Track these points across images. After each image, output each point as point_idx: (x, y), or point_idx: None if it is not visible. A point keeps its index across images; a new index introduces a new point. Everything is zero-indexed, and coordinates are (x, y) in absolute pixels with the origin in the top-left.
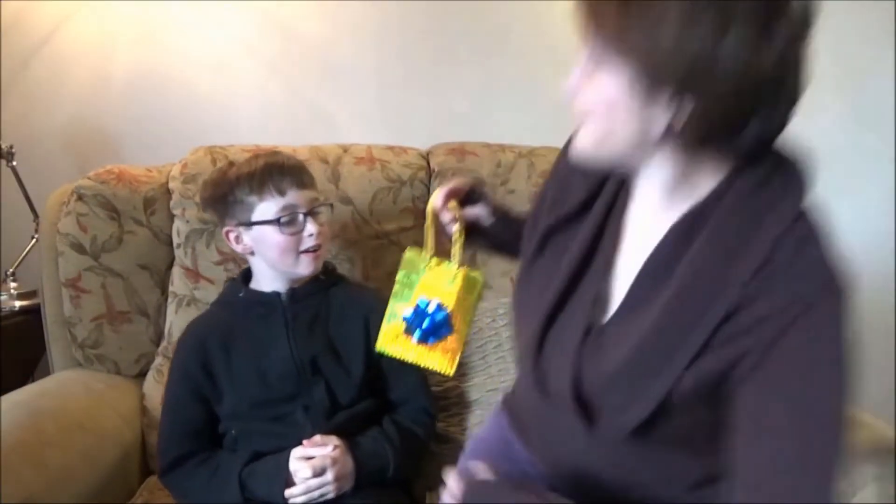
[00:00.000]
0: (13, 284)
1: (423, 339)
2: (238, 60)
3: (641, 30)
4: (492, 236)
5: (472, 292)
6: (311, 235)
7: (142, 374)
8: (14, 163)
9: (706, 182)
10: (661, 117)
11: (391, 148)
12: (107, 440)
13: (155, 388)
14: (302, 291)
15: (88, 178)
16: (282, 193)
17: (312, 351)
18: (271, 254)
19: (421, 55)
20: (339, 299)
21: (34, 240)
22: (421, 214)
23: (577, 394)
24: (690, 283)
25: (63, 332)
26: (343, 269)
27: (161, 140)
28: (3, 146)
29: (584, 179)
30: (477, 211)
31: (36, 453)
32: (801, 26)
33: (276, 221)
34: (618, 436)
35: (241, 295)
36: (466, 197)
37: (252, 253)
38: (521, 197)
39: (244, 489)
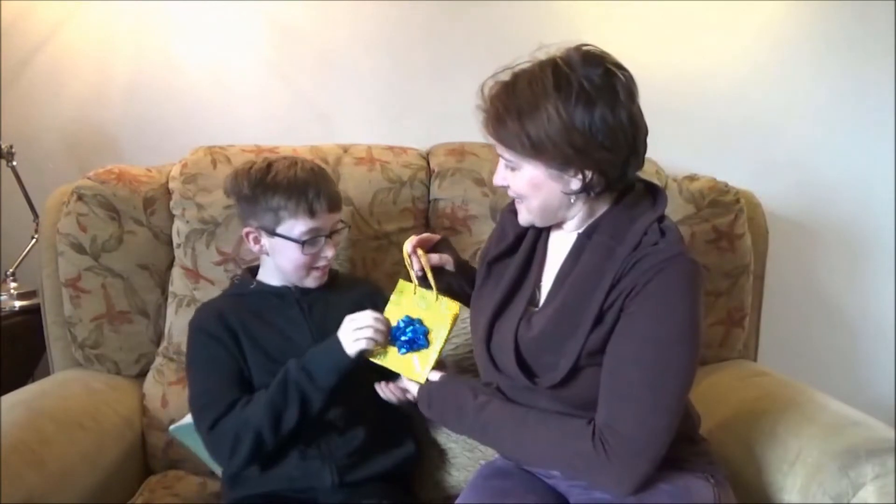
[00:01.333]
0: (13, 284)
1: (402, 348)
2: (238, 61)
3: (538, 138)
4: (452, 280)
5: (448, 317)
6: (325, 257)
7: (142, 374)
8: (14, 163)
9: (601, 209)
10: (574, 182)
11: (391, 148)
12: (107, 440)
13: (155, 388)
14: None
15: (88, 178)
16: (312, 215)
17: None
18: (285, 265)
19: (421, 55)
20: (343, 288)
21: (34, 240)
22: (420, 215)
23: (518, 360)
24: (586, 270)
25: (63, 332)
26: (343, 269)
27: (161, 140)
28: (3, 146)
29: (513, 227)
30: (443, 258)
31: (36, 453)
32: (632, 85)
33: (299, 242)
34: (556, 392)
35: (252, 287)
36: (435, 247)
37: (266, 254)
38: None
39: (310, 376)
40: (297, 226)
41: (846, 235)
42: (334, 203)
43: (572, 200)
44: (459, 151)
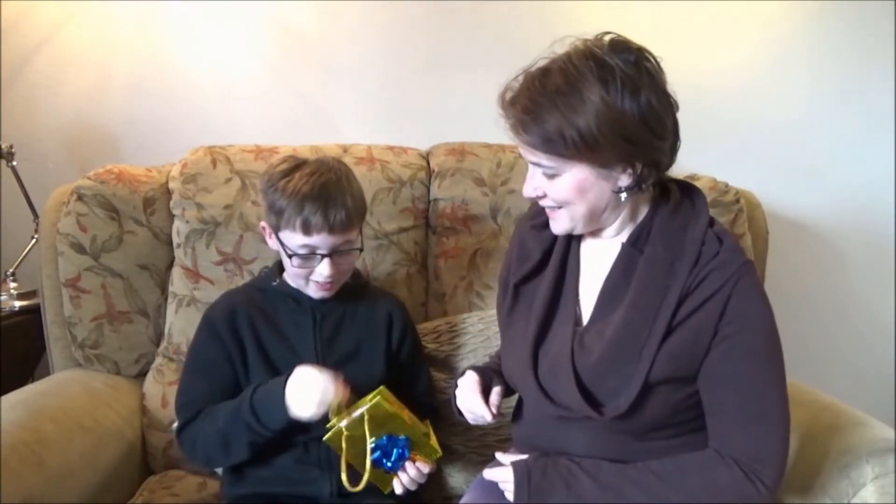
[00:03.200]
0: (13, 284)
1: (395, 467)
2: (238, 60)
3: (589, 133)
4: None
5: (387, 406)
6: (321, 274)
7: (142, 374)
8: (14, 163)
9: (641, 211)
10: (624, 178)
11: (391, 148)
12: (107, 440)
13: (155, 388)
14: None
15: (88, 178)
16: (307, 232)
17: (336, 356)
18: (287, 269)
19: (421, 55)
20: (364, 302)
21: (34, 240)
22: (420, 215)
23: (579, 386)
24: (645, 286)
25: (63, 332)
26: None
27: (161, 140)
28: (3, 146)
29: (538, 243)
30: (497, 396)
31: (36, 453)
32: (659, 65)
33: (287, 255)
34: (618, 421)
35: (274, 284)
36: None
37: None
38: (521, 197)
39: (257, 416)
40: (292, 237)
41: (846, 235)
42: (337, 225)
43: (623, 198)
44: (459, 151)
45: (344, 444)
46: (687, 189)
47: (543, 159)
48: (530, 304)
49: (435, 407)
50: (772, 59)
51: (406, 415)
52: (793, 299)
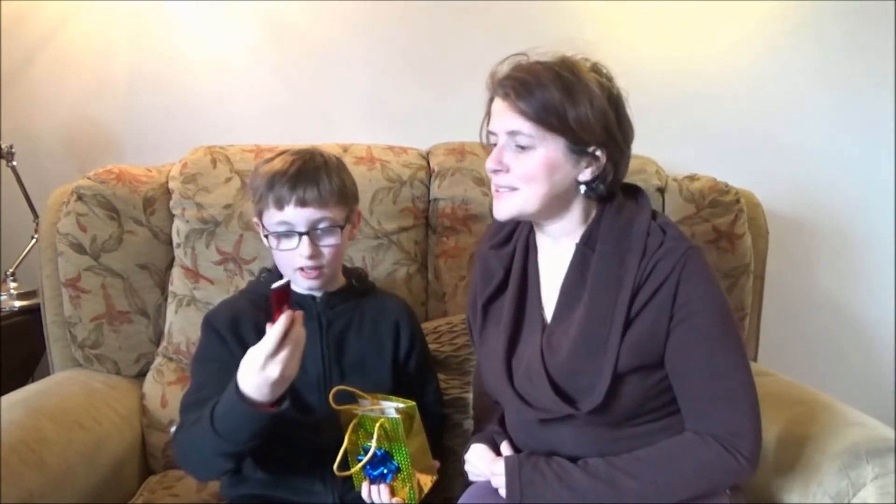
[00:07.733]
0: (13, 284)
1: (373, 479)
2: (238, 60)
3: (581, 110)
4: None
5: (401, 431)
6: (303, 257)
7: (142, 374)
8: (14, 163)
9: (591, 214)
10: (585, 170)
11: (391, 148)
12: (107, 440)
13: (155, 388)
14: (336, 298)
15: (88, 178)
16: (279, 206)
17: (343, 364)
18: (276, 261)
19: (421, 55)
20: (371, 307)
21: (34, 240)
22: (420, 214)
23: (553, 386)
24: (600, 281)
25: (63, 332)
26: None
27: (161, 140)
28: (3, 146)
29: (498, 261)
30: (508, 450)
31: (35, 453)
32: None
33: (265, 234)
34: (596, 414)
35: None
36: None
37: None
38: None
39: (217, 432)
40: (269, 216)
41: (846, 235)
42: (310, 199)
43: (581, 190)
44: (459, 151)
45: (351, 426)
46: (630, 190)
47: (526, 127)
48: (499, 320)
49: (443, 416)
50: (773, 59)
51: (415, 449)
52: (793, 299)
